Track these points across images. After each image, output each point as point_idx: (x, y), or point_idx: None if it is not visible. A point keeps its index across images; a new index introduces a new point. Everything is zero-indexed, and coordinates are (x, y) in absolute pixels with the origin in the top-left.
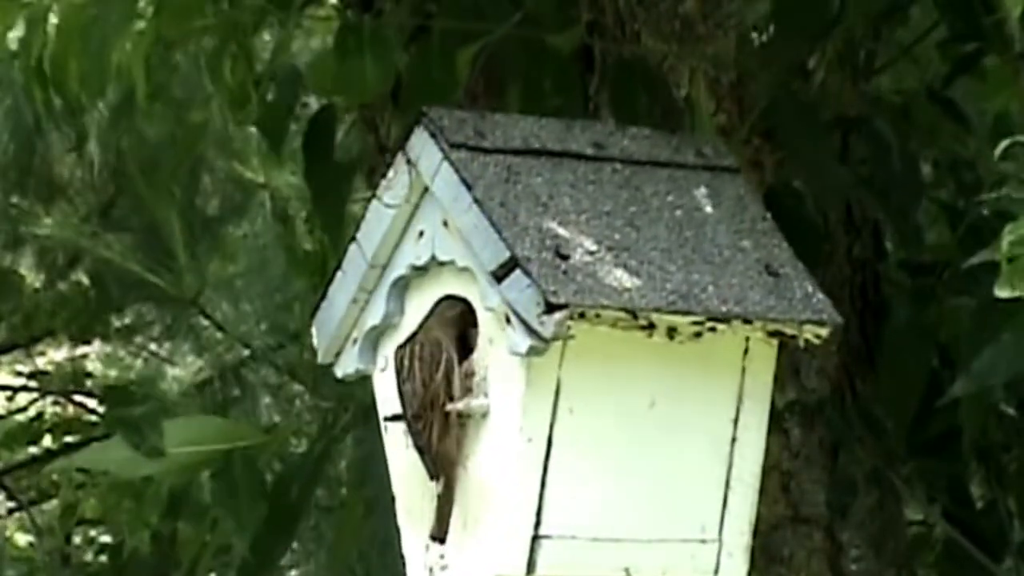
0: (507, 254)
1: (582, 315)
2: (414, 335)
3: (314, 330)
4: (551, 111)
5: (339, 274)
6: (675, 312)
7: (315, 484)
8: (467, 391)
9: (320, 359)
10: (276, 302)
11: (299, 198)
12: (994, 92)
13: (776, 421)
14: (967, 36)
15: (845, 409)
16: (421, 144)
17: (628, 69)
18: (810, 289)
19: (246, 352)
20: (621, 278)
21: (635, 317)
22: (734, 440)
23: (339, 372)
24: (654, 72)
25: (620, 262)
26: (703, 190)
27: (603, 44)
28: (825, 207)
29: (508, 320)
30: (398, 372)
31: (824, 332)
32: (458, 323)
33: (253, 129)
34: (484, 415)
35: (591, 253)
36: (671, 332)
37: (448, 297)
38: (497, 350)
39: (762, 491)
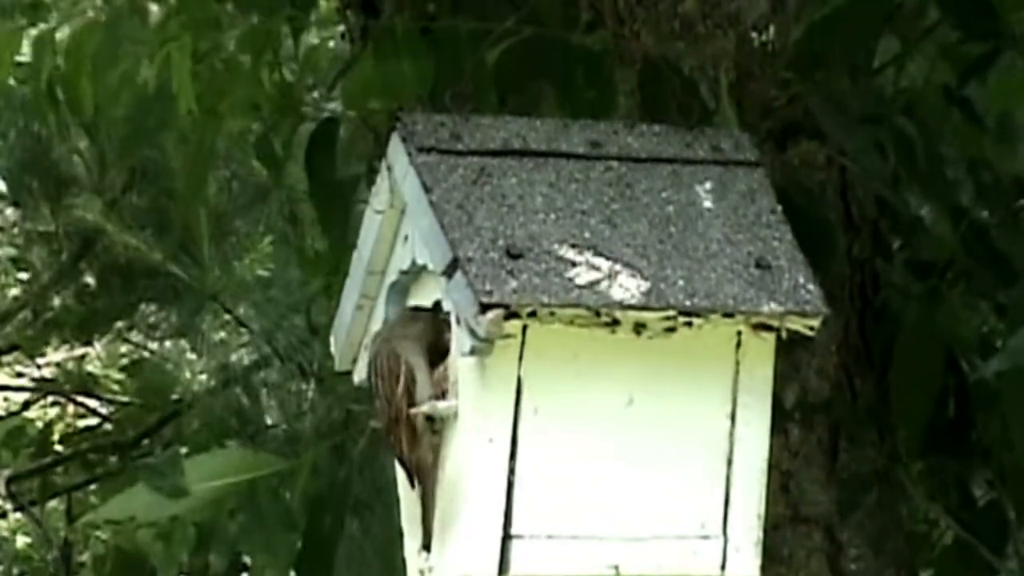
0: (451, 255)
1: (533, 314)
2: (377, 351)
3: (332, 338)
4: (586, 106)
5: (347, 281)
6: (631, 307)
7: (344, 511)
8: (441, 395)
9: (337, 366)
10: (289, 303)
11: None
12: (998, 92)
13: (780, 420)
14: (981, 36)
15: (847, 409)
16: (395, 150)
17: (654, 68)
18: (801, 280)
19: (255, 356)
20: (577, 275)
21: (598, 314)
22: (732, 436)
23: (356, 378)
24: (680, 70)
25: (582, 260)
26: (707, 185)
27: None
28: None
29: (458, 321)
30: (370, 389)
31: (812, 323)
32: (431, 328)
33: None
34: (455, 417)
35: (550, 252)
36: (638, 328)
37: (415, 308)
38: (457, 352)
39: None
